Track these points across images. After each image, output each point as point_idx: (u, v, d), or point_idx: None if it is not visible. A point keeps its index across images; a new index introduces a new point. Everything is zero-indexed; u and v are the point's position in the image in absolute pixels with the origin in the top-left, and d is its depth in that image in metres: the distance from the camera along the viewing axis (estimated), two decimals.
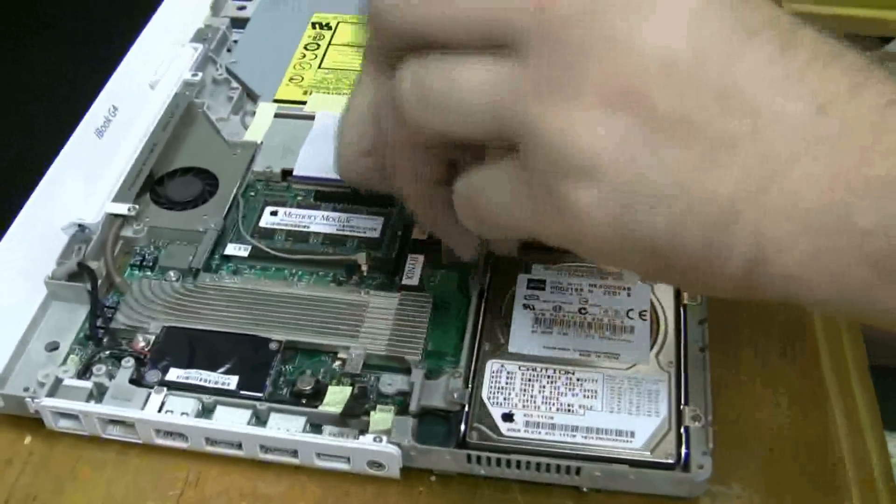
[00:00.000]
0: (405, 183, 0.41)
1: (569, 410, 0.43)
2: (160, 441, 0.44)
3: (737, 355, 0.47)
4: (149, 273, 0.51)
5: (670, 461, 0.41)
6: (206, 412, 0.45)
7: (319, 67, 0.63)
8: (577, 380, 0.44)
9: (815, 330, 0.49)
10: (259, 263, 0.51)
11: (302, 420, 0.44)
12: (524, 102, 0.31)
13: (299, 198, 0.54)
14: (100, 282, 0.49)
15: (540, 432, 0.42)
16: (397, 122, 0.35)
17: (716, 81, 0.29)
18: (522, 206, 0.33)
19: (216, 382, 0.45)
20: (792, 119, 0.29)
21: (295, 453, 0.43)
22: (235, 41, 0.66)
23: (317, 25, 0.66)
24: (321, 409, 0.44)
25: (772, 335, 0.48)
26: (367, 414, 0.43)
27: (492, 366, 0.44)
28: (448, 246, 0.47)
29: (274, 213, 0.53)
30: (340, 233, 0.52)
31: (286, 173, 0.55)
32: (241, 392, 0.44)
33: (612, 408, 0.43)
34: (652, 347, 0.45)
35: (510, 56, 0.31)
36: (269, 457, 0.43)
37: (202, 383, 0.45)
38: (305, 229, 0.52)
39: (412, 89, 0.33)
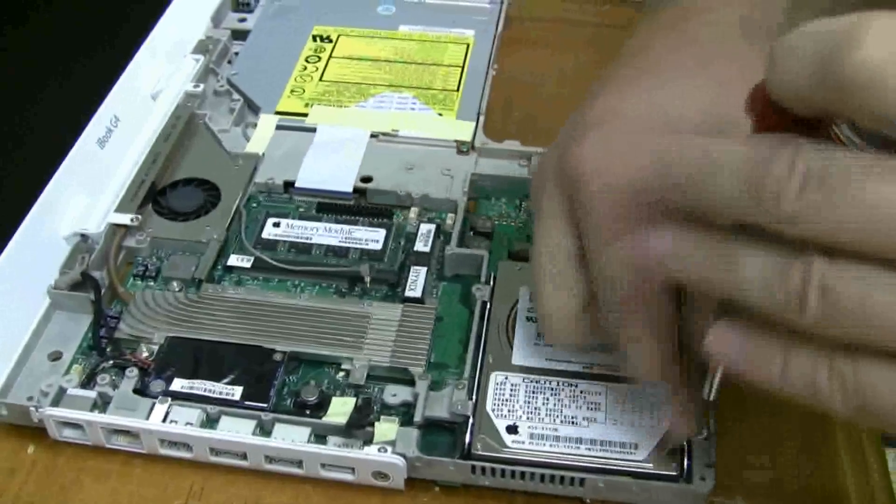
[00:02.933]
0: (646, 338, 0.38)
1: (572, 422, 0.43)
2: (164, 451, 0.44)
3: None
4: (151, 283, 0.51)
5: (673, 473, 0.41)
6: (210, 422, 0.45)
7: (321, 80, 0.63)
8: (581, 392, 0.44)
9: None
10: (262, 275, 0.51)
11: (306, 431, 0.44)
12: None
13: (301, 209, 0.55)
14: (103, 292, 0.50)
15: (544, 444, 0.42)
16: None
17: None
18: None
19: (220, 393, 0.45)
20: None
21: (300, 464, 0.43)
22: (236, 53, 0.67)
23: (318, 38, 0.67)
24: (326, 419, 0.44)
25: None
26: (372, 425, 0.43)
27: (495, 378, 0.45)
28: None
29: (276, 225, 0.53)
30: (343, 244, 0.52)
31: (288, 185, 0.56)
32: (246, 402, 0.45)
33: (615, 420, 0.43)
34: None
35: None
36: (274, 467, 0.43)
37: (206, 394, 0.45)
38: (308, 241, 0.52)
39: (823, 300, 0.28)
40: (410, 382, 0.45)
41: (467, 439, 0.43)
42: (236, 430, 0.44)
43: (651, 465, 0.42)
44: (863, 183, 0.27)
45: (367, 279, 0.50)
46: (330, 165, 0.56)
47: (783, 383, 0.31)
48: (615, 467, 0.42)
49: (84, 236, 0.52)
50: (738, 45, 0.43)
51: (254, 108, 0.61)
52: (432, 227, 0.53)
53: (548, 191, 0.40)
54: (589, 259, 0.39)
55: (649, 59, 0.44)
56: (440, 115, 0.60)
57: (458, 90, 0.62)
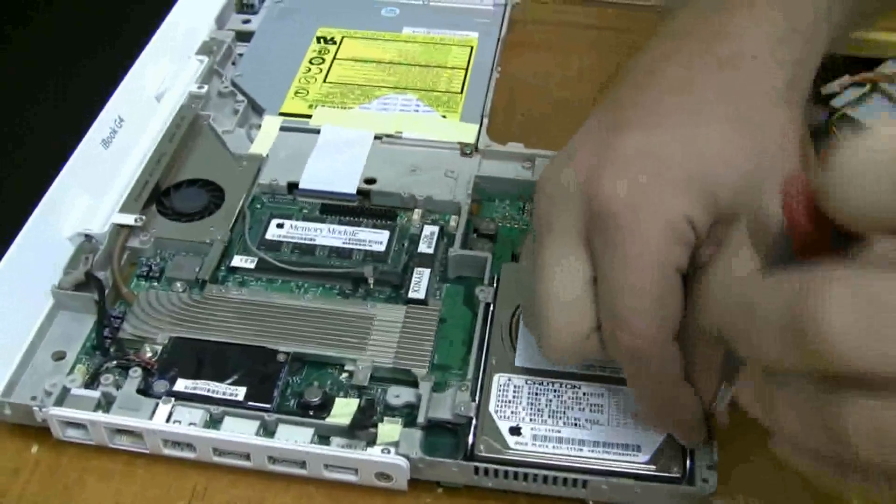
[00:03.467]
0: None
1: (575, 424, 0.43)
2: (168, 451, 0.44)
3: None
4: (155, 284, 0.51)
5: (676, 475, 0.42)
6: (213, 423, 0.45)
7: (325, 81, 0.63)
8: (584, 394, 0.44)
9: None
10: (265, 276, 0.51)
11: (310, 431, 0.44)
12: None
13: (305, 211, 0.55)
14: (106, 292, 0.50)
15: (547, 446, 0.42)
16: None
17: None
18: None
19: (224, 393, 0.45)
20: None
21: (303, 464, 0.43)
22: (240, 54, 0.67)
23: (321, 40, 0.67)
24: (329, 420, 0.44)
25: None
26: (375, 426, 0.44)
27: (499, 379, 0.45)
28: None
29: (280, 226, 0.53)
30: (346, 246, 0.52)
31: (292, 186, 0.56)
32: (249, 403, 0.45)
33: (618, 422, 0.43)
34: None
35: None
36: (277, 468, 0.44)
37: (210, 394, 0.45)
38: (311, 242, 0.52)
39: (867, 433, 0.27)
40: (414, 384, 0.46)
41: (470, 441, 0.43)
42: (240, 431, 0.44)
43: (654, 466, 0.42)
44: None
45: (371, 280, 0.50)
46: (334, 167, 0.56)
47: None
48: (618, 469, 0.42)
49: (88, 236, 0.52)
50: (774, 87, 0.42)
51: (258, 110, 0.62)
52: (436, 228, 0.53)
53: (567, 209, 0.40)
54: (607, 289, 0.39)
55: (678, 84, 0.43)
56: (444, 117, 0.60)
57: (461, 92, 0.62)
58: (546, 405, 0.44)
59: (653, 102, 0.42)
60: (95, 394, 0.45)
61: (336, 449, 0.43)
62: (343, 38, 0.67)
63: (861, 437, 0.27)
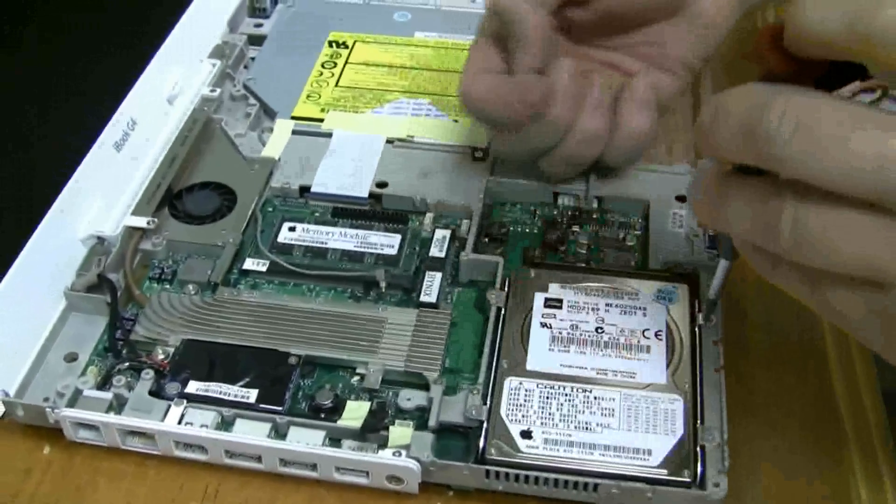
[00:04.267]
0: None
1: (586, 428, 0.43)
2: (179, 453, 0.44)
3: (752, 375, 0.48)
4: (167, 286, 0.51)
5: (687, 479, 0.42)
6: (225, 425, 0.45)
7: (336, 85, 0.63)
8: (595, 398, 0.44)
9: (827, 351, 0.49)
10: (277, 278, 0.52)
11: (321, 434, 0.44)
12: None
13: (317, 214, 0.55)
14: (119, 294, 0.50)
15: (558, 449, 0.42)
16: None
17: None
18: (873, 328, 0.35)
19: (236, 395, 0.45)
20: None
21: (314, 467, 0.43)
22: (252, 58, 0.67)
23: (333, 44, 0.67)
24: (340, 423, 0.44)
25: (785, 356, 0.49)
26: (386, 429, 0.44)
27: (510, 383, 0.45)
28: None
29: (292, 229, 0.53)
30: (358, 249, 0.52)
31: (304, 189, 0.56)
32: (261, 405, 0.45)
33: (629, 426, 0.43)
34: (668, 367, 0.45)
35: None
36: (289, 470, 0.44)
37: (222, 396, 0.45)
38: (323, 245, 0.53)
39: (792, 228, 0.34)
40: (425, 387, 0.46)
41: (481, 444, 0.43)
42: (251, 433, 0.44)
43: (665, 471, 0.42)
44: (840, 133, 0.32)
45: (383, 284, 0.50)
46: (346, 171, 0.56)
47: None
48: (629, 473, 0.42)
49: (101, 239, 0.52)
50: None
51: (270, 113, 0.62)
52: (447, 232, 0.53)
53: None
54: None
55: None
56: (455, 121, 0.60)
57: None
58: (557, 409, 0.44)
59: None
60: (108, 395, 0.45)
61: (347, 451, 0.43)
62: (355, 42, 0.67)
63: (787, 233, 0.33)
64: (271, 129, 0.60)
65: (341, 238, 0.53)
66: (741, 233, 0.36)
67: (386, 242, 0.53)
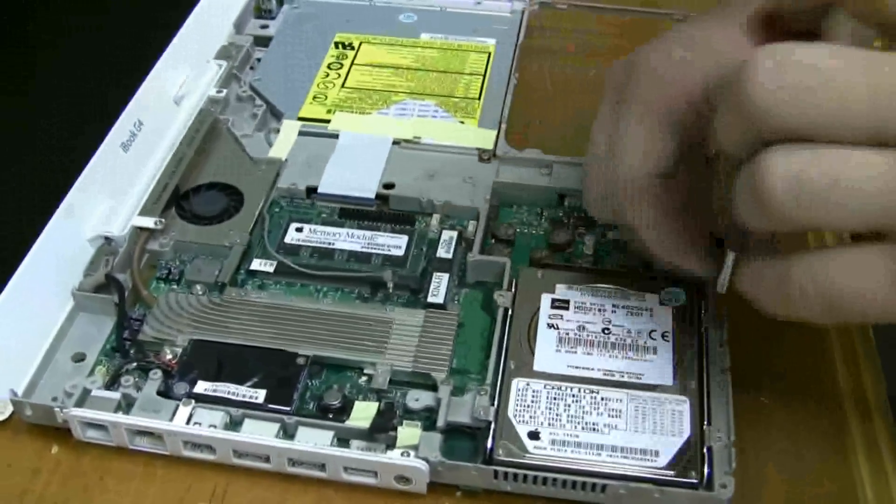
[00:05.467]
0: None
1: (594, 429, 0.43)
2: (188, 453, 0.44)
3: (757, 377, 0.48)
4: (175, 286, 0.52)
5: (694, 480, 0.42)
6: (233, 425, 0.45)
7: (343, 87, 0.63)
8: (602, 399, 0.44)
9: (833, 353, 0.49)
10: (284, 279, 0.52)
11: (329, 434, 0.44)
12: None
13: (324, 215, 0.55)
14: (126, 294, 0.50)
15: (566, 450, 0.43)
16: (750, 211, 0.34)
17: None
18: None
19: (244, 396, 0.45)
20: None
21: (323, 467, 0.43)
22: (259, 59, 0.67)
23: (340, 45, 0.67)
24: (349, 423, 0.44)
25: (792, 358, 0.49)
26: (395, 429, 0.44)
27: (517, 384, 0.45)
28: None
29: (299, 230, 0.53)
30: (365, 250, 0.52)
31: (311, 190, 0.56)
32: (269, 406, 0.45)
33: (636, 427, 0.43)
34: (675, 368, 0.45)
35: None
36: (297, 470, 0.44)
37: (230, 396, 0.45)
38: (330, 246, 0.53)
39: (784, 184, 0.32)
40: (433, 388, 0.46)
41: (489, 445, 0.43)
42: (260, 433, 0.44)
43: (672, 472, 0.42)
44: (819, 69, 0.31)
45: (390, 285, 0.50)
46: (352, 171, 0.56)
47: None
48: (636, 474, 0.42)
49: (108, 239, 0.52)
50: None
51: (276, 114, 0.62)
52: (454, 233, 0.53)
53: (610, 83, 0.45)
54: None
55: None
56: (462, 122, 0.60)
57: (479, 98, 0.62)
58: (564, 410, 0.44)
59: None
60: (116, 395, 0.45)
61: (356, 452, 0.43)
62: (361, 43, 0.67)
63: (777, 186, 0.32)
64: (278, 130, 0.60)
65: (348, 239, 0.53)
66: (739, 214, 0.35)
67: (393, 243, 0.53)
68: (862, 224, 0.32)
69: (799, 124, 0.32)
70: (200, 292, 0.50)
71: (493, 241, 0.54)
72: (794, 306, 0.35)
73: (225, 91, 0.62)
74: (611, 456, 0.42)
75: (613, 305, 0.48)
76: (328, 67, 0.65)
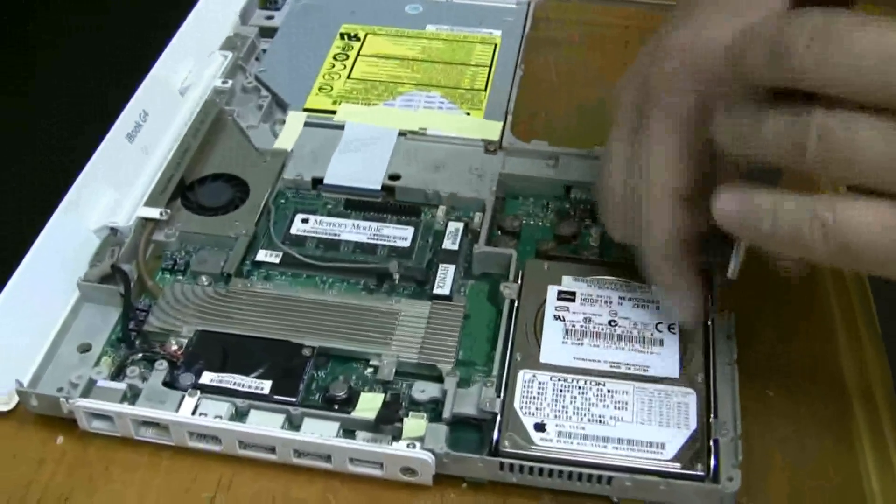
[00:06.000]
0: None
1: (600, 421, 0.43)
2: (193, 444, 0.44)
3: (763, 369, 0.48)
4: (180, 277, 0.51)
5: (700, 473, 0.42)
6: (239, 416, 0.45)
7: (349, 78, 0.63)
8: (608, 391, 0.44)
9: (839, 345, 0.49)
10: (290, 270, 0.52)
11: (335, 425, 0.44)
12: None
13: (330, 206, 0.55)
14: (132, 285, 0.50)
15: (571, 442, 0.42)
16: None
17: None
18: None
19: (250, 387, 0.45)
20: None
21: (328, 458, 0.43)
22: (264, 50, 0.67)
23: (345, 36, 0.67)
24: (354, 415, 0.44)
25: (797, 350, 0.49)
26: (401, 420, 0.44)
27: (523, 375, 0.45)
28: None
29: (305, 221, 0.53)
30: (371, 241, 0.52)
31: (317, 182, 0.56)
32: (275, 396, 0.45)
33: (642, 419, 0.43)
34: (681, 361, 0.45)
35: None
36: (302, 461, 0.44)
37: (235, 387, 0.45)
38: (336, 237, 0.53)
39: (818, 142, 0.34)
40: (439, 379, 0.46)
41: (495, 436, 0.43)
42: (265, 424, 0.44)
43: (678, 464, 0.42)
44: (853, 34, 0.32)
45: (396, 276, 0.50)
46: (358, 163, 0.56)
47: (773, 233, 0.36)
48: (643, 466, 0.42)
49: (113, 230, 0.52)
50: None
51: (282, 105, 0.62)
52: (460, 225, 0.53)
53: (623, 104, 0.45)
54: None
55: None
56: (468, 114, 0.60)
57: (485, 90, 0.62)
58: (571, 402, 0.44)
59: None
60: (121, 386, 0.45)
61: (361, 443, 0.43)
62: (367, 34, 0.67)
63: (813, 147, 0.34)
64: (283, 121, 0.60)
65: (354, 230, 0.53)
66: (772, 157, 0.36)
67: (399, 235, 0.53)
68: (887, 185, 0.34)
69: (822, 82, 0.33)
70: (206, 283, 0.50)
71: (499, 232, 0.53)
72: (803, 240, 0.36)
73: (230, 82, 0.62)
74: (617, 448, 0.42)
75: (620, 297, 0.48)
76: (334, 58, 0.65)
